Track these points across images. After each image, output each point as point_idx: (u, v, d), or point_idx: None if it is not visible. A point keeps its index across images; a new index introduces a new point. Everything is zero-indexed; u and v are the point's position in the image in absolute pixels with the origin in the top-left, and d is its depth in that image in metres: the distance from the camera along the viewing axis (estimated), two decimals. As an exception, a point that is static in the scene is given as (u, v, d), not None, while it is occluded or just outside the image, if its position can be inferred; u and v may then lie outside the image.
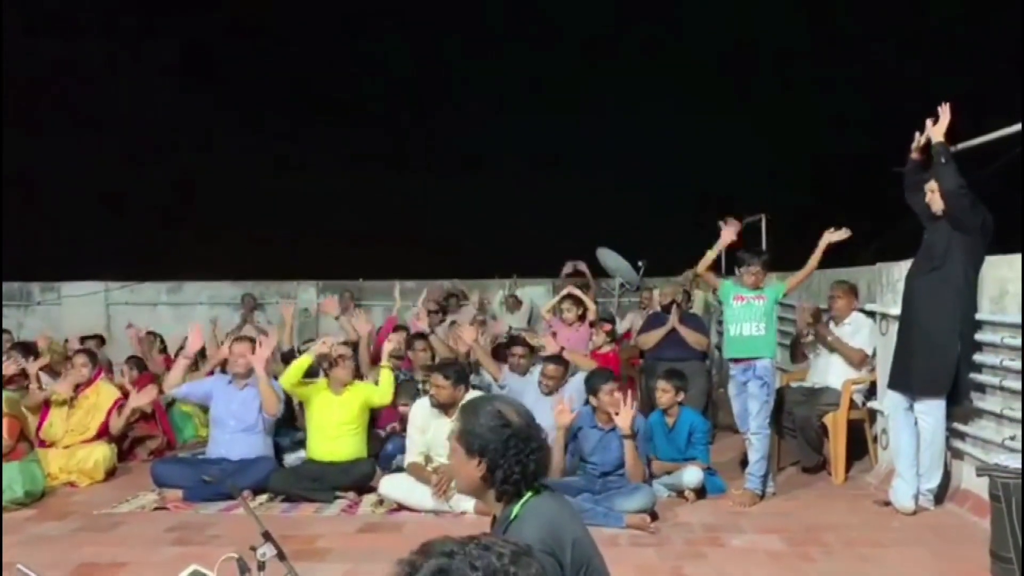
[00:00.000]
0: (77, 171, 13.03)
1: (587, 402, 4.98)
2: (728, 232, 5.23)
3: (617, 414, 4.62)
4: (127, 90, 13.17)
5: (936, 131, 4.45)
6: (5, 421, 5.13)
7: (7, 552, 4.06)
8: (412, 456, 5.04)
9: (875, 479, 5.30)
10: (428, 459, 5.04)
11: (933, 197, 4.49)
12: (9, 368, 5.58)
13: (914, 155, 4.65)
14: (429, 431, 5.03)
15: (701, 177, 13.14)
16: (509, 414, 2.03)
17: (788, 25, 12.72)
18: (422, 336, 6.61)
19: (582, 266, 9.78)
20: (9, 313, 10.95)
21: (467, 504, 4.75)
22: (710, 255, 5.24)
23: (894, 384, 4.73)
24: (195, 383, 5.67)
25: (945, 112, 4.43)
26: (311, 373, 5.63)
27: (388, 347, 5.71)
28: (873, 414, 5.54)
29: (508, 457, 1.96)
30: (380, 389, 5.38)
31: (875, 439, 5.54)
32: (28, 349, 6.58)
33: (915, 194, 4.64)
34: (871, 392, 5.57)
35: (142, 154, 13.04)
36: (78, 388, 5.79)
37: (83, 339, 8.03)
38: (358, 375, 5.54)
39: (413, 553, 1.18)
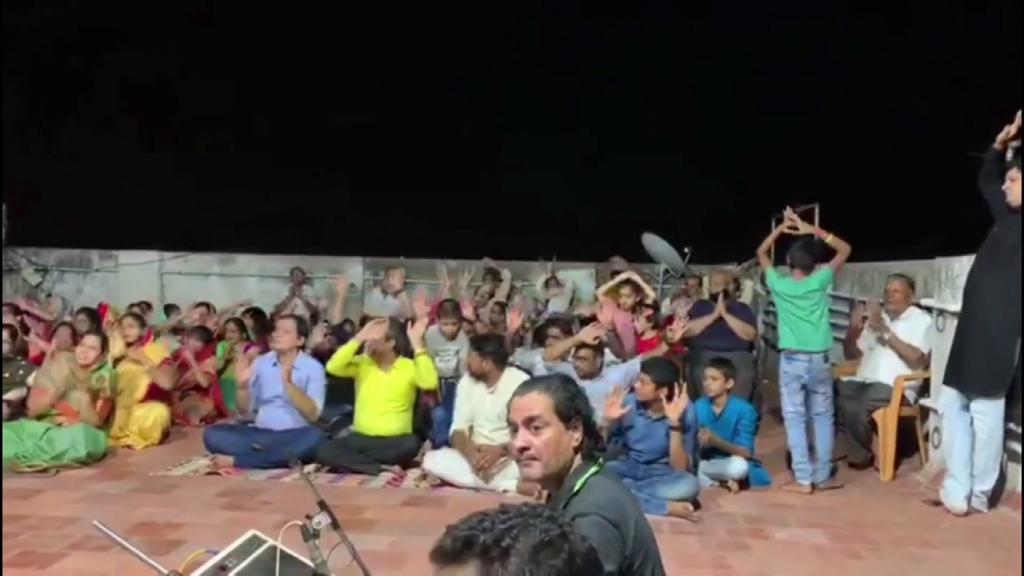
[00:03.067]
0: (134, 144, 13.39)
1: (632, 389, 4.97)
2: (790, 221, 5.22)
3: (646, 404, 4.69)
4: (180, 64, 13.42)
5: None
6: (100, 403, 5.36)
7: (72, 507, 4.29)
8: (458, 424, 5.22)
9: (925, 478, 5.20)
10: (471, 430, 5.17)
11: (1013, 187, 4.31)
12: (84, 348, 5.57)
13: (998, 145, 4.45)
14: (473, 399, 5.19)
15: (751, 164, 12.92)
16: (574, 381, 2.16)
17: (850, 15, 12.38)
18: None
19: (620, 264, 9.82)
20: (69, 279, 11.35)
21: (509, 483, 4.81)
22: (769, 239, 5.36)
23: (950, 382, 4.62)
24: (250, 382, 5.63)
25: None
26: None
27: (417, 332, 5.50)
28: (925, 412, 5.43)
29: (594, 419, 2.06)
30: (421, 373, 5.36)
31: (926, 437, 5.43)
32: (93, 315, 6.83)
33: (991, 183, 4.42)
34: (923, 389, 5.46)
35: (194, 128, 13.30)
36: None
37: (131, 305, 8.32)
38: (408, 353, 5.58)
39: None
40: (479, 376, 5.15)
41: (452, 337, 6.48)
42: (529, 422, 1.97)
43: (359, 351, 5.67)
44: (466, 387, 5.27)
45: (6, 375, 5.72)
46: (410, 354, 5.47)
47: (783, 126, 12.76)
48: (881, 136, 12.25)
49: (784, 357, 5.10)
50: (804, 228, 5.21)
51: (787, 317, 5.09)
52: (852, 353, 6.04)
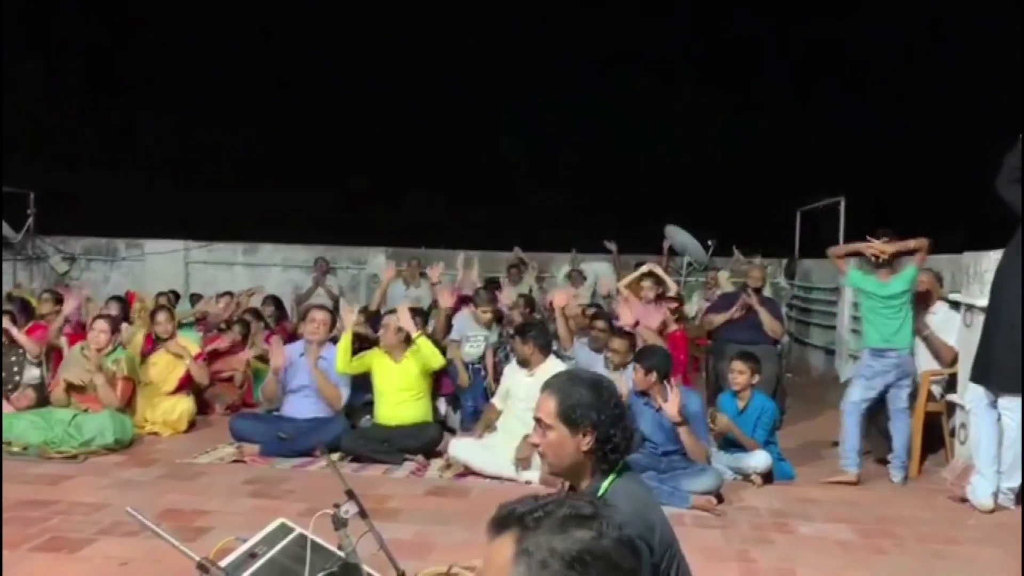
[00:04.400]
0: (161, 135, 13.52)
1: None
2: (874, 247, 5.20)
3: (645, 393, 4.69)
4: (206, 57, 13.51)
5: None
6: (120, 384, 5.44)
7: (100, 493, 4.36)
8: (496, 398, 5.43)
9: (950, 474, 5.14)
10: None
11: None
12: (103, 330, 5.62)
13: None
14: (513, 378, 5.33)
15: (776, 156, 12.79)
16: (602, 381, 2.06)
17: (877, 14, 12.20)
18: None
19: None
20: (96, 267, 11.53)
21: (532, 474, 4.82)
22: (846, 248, 5.56)
23: (977, 378, 4.57)
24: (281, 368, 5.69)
25: None
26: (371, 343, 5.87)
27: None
28: (951, 407, 5.37)
29: (618, 425, 1.97)
30: (425, 355, 5.38)
31: (952, 433, 5.37)
32: (122, 303, 6.93)
33: (1011, 185, 4.37)
34: (950, 385, 5.41)
35: (221, 119, 13.40)
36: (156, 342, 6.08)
37: (160, 295, 8.41)
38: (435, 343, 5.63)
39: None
40: (522, 362, 5.27)
41: (488, 325, 6.54)
42: (539, 421, 2.02)
43: (374, 344, 5.71)
44: (512, 366, 5.47)
45: (12, 359, 5.81)
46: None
47: (809, 118, 12.62)
48: (908, 128, 12.07)
49: (871, 354, 5.12)
50: (891, 249, 5.15)
51: (871, 315, 5.15)
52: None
